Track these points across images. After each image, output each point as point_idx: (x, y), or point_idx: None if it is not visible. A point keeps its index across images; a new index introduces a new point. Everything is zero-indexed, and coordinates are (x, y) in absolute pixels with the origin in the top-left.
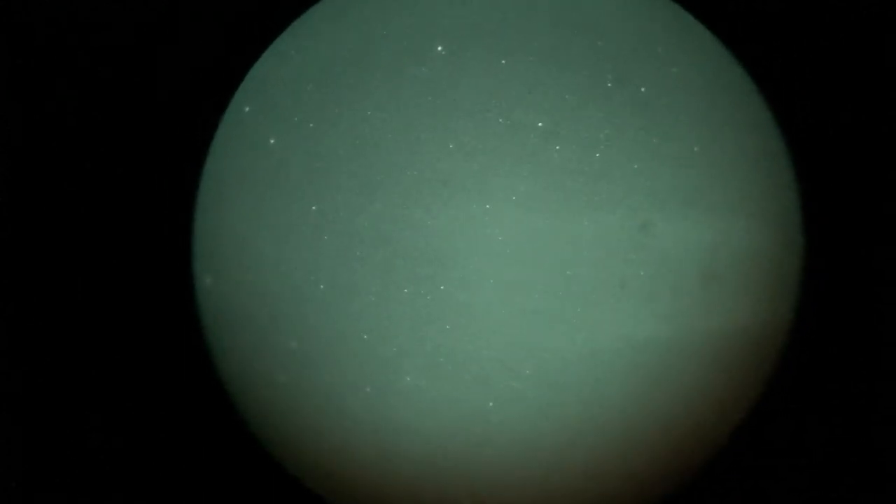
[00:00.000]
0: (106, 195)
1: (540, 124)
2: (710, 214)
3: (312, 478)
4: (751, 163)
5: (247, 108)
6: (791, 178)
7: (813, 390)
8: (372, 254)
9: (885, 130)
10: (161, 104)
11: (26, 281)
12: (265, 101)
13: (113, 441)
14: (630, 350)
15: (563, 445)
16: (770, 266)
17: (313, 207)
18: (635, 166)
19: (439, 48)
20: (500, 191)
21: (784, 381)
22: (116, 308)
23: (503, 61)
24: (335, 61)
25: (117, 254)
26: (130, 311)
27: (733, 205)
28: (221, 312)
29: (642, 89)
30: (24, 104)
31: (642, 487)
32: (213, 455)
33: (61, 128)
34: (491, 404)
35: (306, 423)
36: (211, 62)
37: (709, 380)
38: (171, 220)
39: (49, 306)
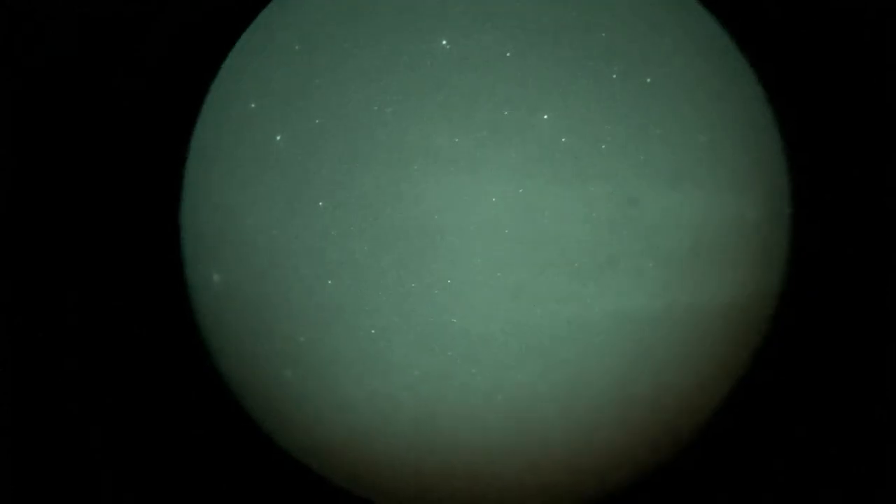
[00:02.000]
0: (91, 183)
1: (529, 99)
2: (698, 189)
3: (316, 459)
4: (738, 138)
5: (234, 85)
6: (779, 153)
7: (799, 363)
8: (360, 227)
9: (872, 107)
10: (146, 78)
11: (15, 274)
12: (253, 73)
13: (111, 435)
14: (617, 324)
15: (552, 418)
16: (757, 241)
17: (302, 181)
18: (622, 142)
19: (438, 28)
20: (487, 166)
21: (770, 353)
22: (110, 305)
23: (496, 40)
24: (320, 34)
25: (109, 249)
26: (123, 308)
27: (721, 180)
28: (211, 285)
29: (632, 67)
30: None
31: (631, 459)
32: (215, 449)
33: (41, 121)
34: (478, 378)
35: (300, 400)
36: (199, 33)
37: (696, 353)
38: (155, 193)
39: (37, 301)
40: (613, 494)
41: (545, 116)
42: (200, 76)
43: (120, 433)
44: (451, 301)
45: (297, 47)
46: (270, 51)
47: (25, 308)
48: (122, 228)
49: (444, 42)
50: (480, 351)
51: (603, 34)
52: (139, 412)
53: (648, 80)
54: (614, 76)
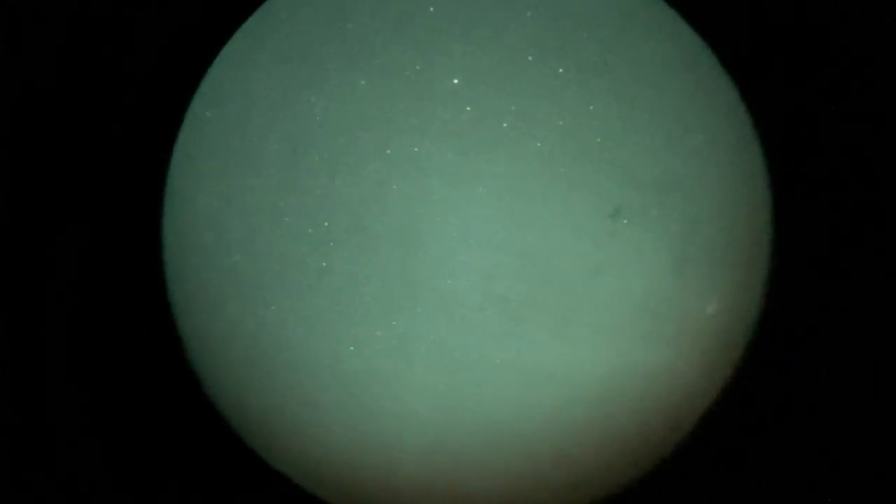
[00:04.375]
0: (75, 172)
1: (513, 109)
2: (683, 201)
3: (289, 465)
4: (723, 151)
5: (217, 90)
6: (762, 165)
7: (782, 375)
8: (345, 238)
9: (857, 119)
10: (130, 84)
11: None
12: (236, 85)
13: (87, 434)
14: (602, 335)
15: (537, 428)
16: (739, 253)
17: (284, 191)
18: (608, 154)
19: (418, 34)
20: (472, 176)
21: (753, 365)
22: (89, 300)
23: (479, 48)
24: (308, 41)
25: (91, 257)
26: (103, 304)
27: (705, 192)
28: (192, 295)
29: (618, 78)
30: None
31: (617, 469)
32: (189, 447)
33: (26, 128)
34: (464, 389)
35: (278, 406)
36: (182, 41)
37: (680, 364)
38: (141, 207)
39: (19, 312)
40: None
41: (529, 123)
42: (184, 83)
43: (100, 446)
44: (435, 312)
45: (281, 55)
46: (255, 58)
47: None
48: (105, 235)
49: (429, 50)
50: (466, 356)
51: (590, 48)
52: (120, 427)
53: (633, 91)
54: (597, 88)
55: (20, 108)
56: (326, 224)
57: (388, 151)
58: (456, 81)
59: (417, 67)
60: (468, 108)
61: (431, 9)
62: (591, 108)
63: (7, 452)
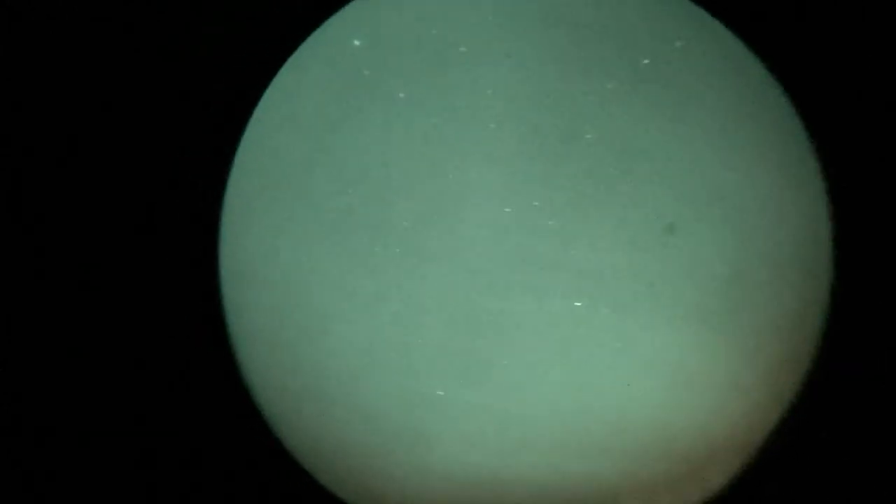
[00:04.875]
0: (131, 203)
1: (561, 128)
2: (737, 213)
3: (350, 493)
4: (776, 161)
5: (271, 117)
6: (818, 174)
7: (849, 389)
8: (399, 263)
9: None
10: (184, 112)
11: (51, 290)
12: (288, 111)
13: (144, 466)
14: (661, 353)
15: (594, 452)
16: (799, 264)
17: (337, 215)
18: (659, 167)
19: (461, 51)
20: (522, 196)
21: (819, 380)
22: (144, 320)
23: (524, 65)
24: (356, 70)
25: (144, 264)
26: (158, 324)
27: (760, 203)
28: (250, 324)
29: (666, 90)
30: (48, 110)
31: (678, 494)
32: (243, 467)
33: (82, 136)
34: (524, 411)
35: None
36: (233, 72)
37: (742, 382)
38: (196, 230)
39: (71, 337)
40: None
41: (578, 140)
42: (236, 115)
43: (151, 469)
44: (492, 334)
45: (330, 83)
46: (307, 87)
47: (53, 343)
48: (161, 267)
49: (474, 72)
50: (523, 377)
51: (634, 60)
52: (175, 451)
53: (683, 103)
54: (644, 101)
55: (70, 143)
56: (379, 250)
57: (439, 174)
58: (503, 102)
59: (462, 92)
60: (517, 128)
61: (474, 32)
62: (641, 121)
63: (64, 483)
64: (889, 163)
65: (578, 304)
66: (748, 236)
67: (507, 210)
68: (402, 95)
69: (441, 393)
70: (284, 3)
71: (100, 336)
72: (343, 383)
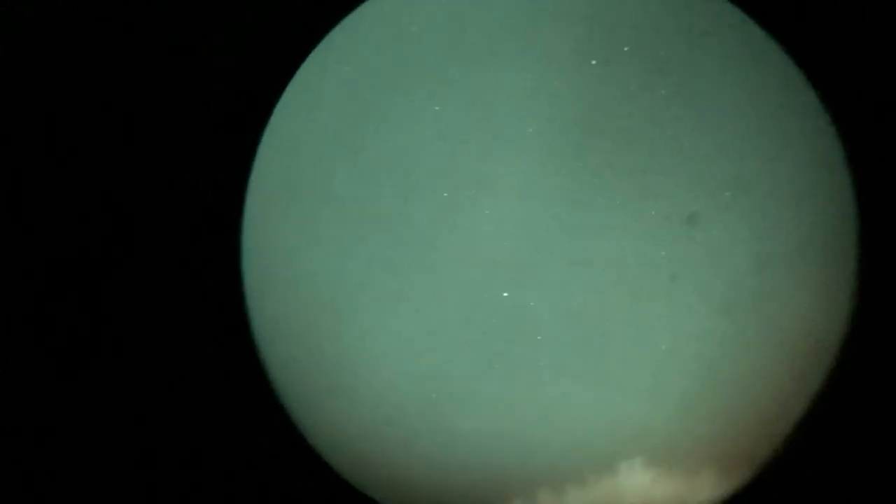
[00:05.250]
0: (154, 207)
1: (582, 120)
2: (760, 202)
3: (372, 487)
4: (800, 152)
5: (292, 114)
6: (843, 165)
7: (876, 380)
8: (419, 260)
9: None
10: (205, 113)
11: (73, 290)
12: (307, 111)
13: (169, 463)
14: (685, 344)
15: (622, 444)
16: (825, 252)
17: (358, 212)
18: (680, 158)
19: (481, 48)
20: (543, 189)
21: (846, 370)
22: (168, 317)
23: (544, 60)
24: (374, 68)
25: (167, 265)
26: (182, 322)
27: (783, 194)
28: (274, 323)
29: (687, 81)
30: (67, 115)
31: (703, 485)
32: (265, 461)
33: (105, 138)
34: (546, 404)
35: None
36: (253, 71)
37: (768, 371)
38: (220, 239)
39: (96, 341)
40: None
41: (599, 132)
42: (256, 115)
43: (182, 474)
44: (513, 328)
45: (349, 83)
46: (324, 89)
47: (77, 345)
48: (184, 264)
49: (493, 68)
50: (547, 371)
51: (654, 51)
52: (201, 451)
53: (704, 93)
54: (664, 91)
55: (89, 146)
56: (400, 246)
57: (459, 170)
58: (522, 97)
59: (482, 87)
60: (537, 123)
61: (492, 27)
62: (661, 113)
63: (85, 482)
64: None
65: (600, 296)
66: (771, 227)
67: (527, 204)
68: (421, 93)
69: (463, 387)
70: (303, 2)
71: (123, 333)
72: (365, 379)
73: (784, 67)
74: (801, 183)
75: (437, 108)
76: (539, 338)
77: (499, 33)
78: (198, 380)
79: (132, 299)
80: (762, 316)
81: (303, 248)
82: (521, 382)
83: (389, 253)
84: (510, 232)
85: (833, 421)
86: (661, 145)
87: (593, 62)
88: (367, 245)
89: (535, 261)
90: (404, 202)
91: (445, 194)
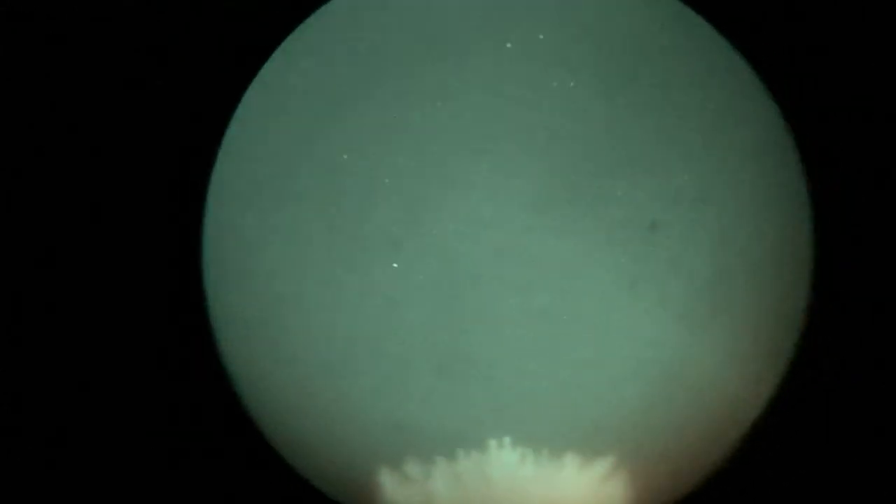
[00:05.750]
0: (115, 200)
1: (546, 125)
2: (719, 211)
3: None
4: (758, 158)
5: (254, 113)
6: (800, 175)
7: (829, 386)
8: (382, 256)
9: (891, 117)
10: (169, 109)
11: (36, 285)
12: (272, 106)
13: (127, 455)
14: (643, 349)
15: (577, 447)
16: (781, 260)
17: (321, 211)
18: (642, 166)
19: (445, 50)
20: (506, 191)
21: (799, 375)
22: (127, 312)
23: (510, 64)
24: (341, 65)
25: (128, 260)
26: (142, 317)
27: (741, 201)
28: (234, 318)
29: (649, 91)
30: (31, 108)
31: (660, 488)
32: (224, 458)
33: (67, 131)
34: (505, 403)
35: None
36: (217, 68)
37: (724, 377)
38: (181, 225)
39: (59, 333)
40: None
41: (562, 138)
42: (221, 107)
43: (138, 461)
44: (473, 327)
45: (315, 78)
46: (289, 85)
47: (45, 337)
48: (145, 257)
49: (460, 70)
50: (504, 371)
51: (618, 60)
52: (161, 445)
53: (666, 103)
54: (627, 99)
55: (54, 134)
56: (363, 244)
57: (423, 170)
58: (487, 99)
59: (449, 88)
60: (502, 125)
61: (460, 30)
62: (626, 120)
63: (45, 472)
64: (869, 165)
65: (560, 299)
66: (730, 236)
67: (491, 205)
68: (387, 92)
69: (423, 386)
70: None
71: (82, 327)
72: (326, 375)
73: (744, 78)
74: (759, 193)
75: (402, 107)
76: (499, 338)
77: (466, 35)
78: (157, 373)
79: (92, 291)
80: (719, 323)
81: (264, 243)
82: (479, 381)
83: (352, 250)
84: (473, 232)
85: (786, 427)
86: (624, 153)
87: (561, 68)
88: (329, 242)
89: (497, 262)
90: (368, 199)
91: (408, 193)
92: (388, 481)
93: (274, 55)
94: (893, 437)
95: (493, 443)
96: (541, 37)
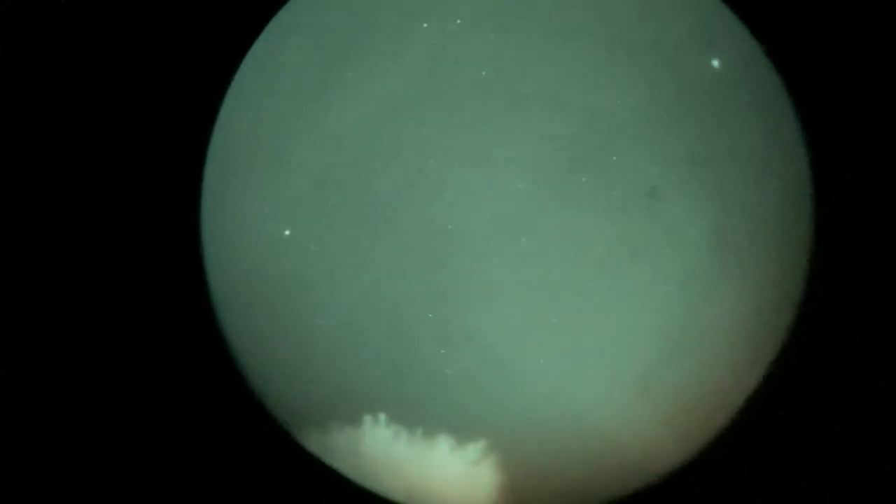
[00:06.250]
0: (111, 176)
1: (543, 93)
2: (718, 177)
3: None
4: (757, 123)
5: (248, 89)
6: (800, 139)
7: (830, 353)
8: (381, 231)
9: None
10: (160, 89)
11: (36, 275)
12: (266, 81)
13: (133, 436)
14: (643, 317)
15: (580, 416)
16: (781, 226)
17: (319, 188)
18: (640, 132)
19: (441, 21)
20: (503, 162)
21: (798, 345)
22: (128, 294)
23: (506, 33)
24: (336, 37)
25: (126, 235)
26: (144, 305)
27: (742, 167)
28: (233, 293)
29: (647, 56)
30: (24, 103)
31: (660, 454)
32: (229, 437)
33: (55, 122)
34: (504, 375)
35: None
36: (212, 41)
37: (723, 344)
38: (178, 207)
39: (58, 313)
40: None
41: (560, 105)
42: (215, 84)
43: (146, 449)
44: (472, 299)
45: (310, 51)
46: (283, 56)
47: (41, 322)
48: (143, 237)
49: (456, 41)
50: (505, 347)
51: (614, 26)
52: (155, 401)
53: (663, 68)
54: (624, 66)
55: (51, 116)
56: (360, 217)
57: (420, 143)
58: (486, 69)
59: (445, 59)
60: (498, 95)
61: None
62: (622, 86)
63: (51, 460)
64: (870, 124)
65: (559, 270)
66: (729, 203)
67: (488, 176)
68: (384, 62)
69: (424, 358)
70: None
71: (84, 313)
72: (326, 349)
73: (742, 40)
74: (759, 160)
75: (399, 77)
76: (499, 309)
77: (462, 3)
78: (158, 353)
79: (91, 272)
80: (719, 290)
81: (262, 217)
82: (480, 353)
83: (350, 223)
84: (469, 203)
85: (786, 394)
86: (621, 120)
87: (556, 36)
88: (327, 214)
89: (496, 233)
90: (365, 171)
91: (404, 165)
92: None
93: (267, 28)
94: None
95: (495, 411)
96: (539, 5)
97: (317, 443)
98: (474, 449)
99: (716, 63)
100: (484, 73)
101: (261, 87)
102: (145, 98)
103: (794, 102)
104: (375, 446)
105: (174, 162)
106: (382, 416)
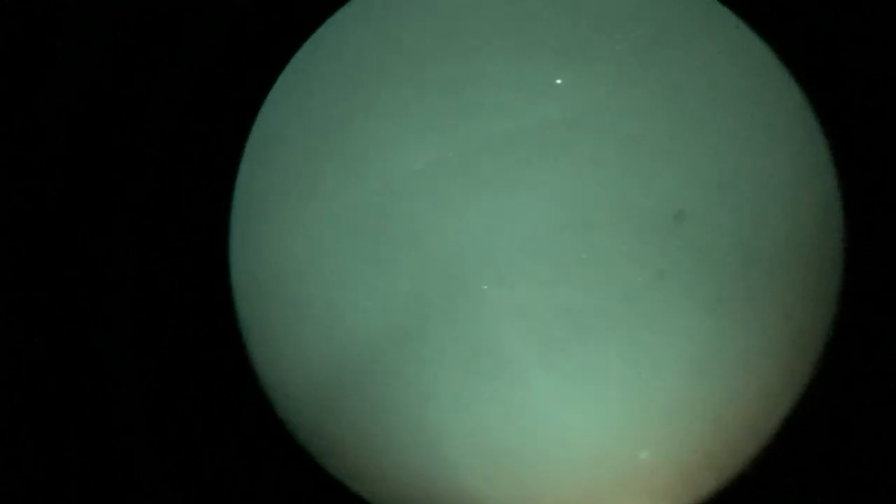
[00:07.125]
0: (138, 201)
1: (566, 116)
2: (747, 198)
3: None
4: (787, 147)
5: (275, 116)
6: (830, 160)
7: (862, 377)
8: (406, 255)
9: None
10: (191, 111)
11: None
12: (294, 108)
13: (158, 463)
14: (673, 342)
15: (607, 444)
16: (812, 248)
17: (345, 209)
18: (666, 153)
19: (464, 46)
20: (529, 185)
21: (833, 367)
22: (154, 314)
23: (527, 55)
24: (361, 65)
25: (154, 258)
26: (169, 318)
27: (770, 187)
28: (261, 319)
29: (674, 74)
30: (48, 112)
31: (692, 483)
32: (255, 464)
33: (88, 126)
34: (530, 401)
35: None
36: (240, 67)
37: (755, 369)
38: (207, 228)
39: (85, 328)
40: None
41: (584, 128)
42: (242, 113)
43: (172, 475)
44: (499, 324)
45: (336, 80)
46: (310, 87)
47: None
48: (172, 260)
49: (478, 63)
50: (530, 372)
51: (640, 47)
52: (179, 425)
53: (691, 88)
54: (650, 87)
55: (76, 138)
56: (387, 242)
57: (445, 165)
58: (509, 93)
59: (467, 81)
60: (522, 118)
61: (478, 22)
62: (648, 106)
63: (77, 484)
64: None
65: (585, 293)
66: (759, 224)
67: (513, 200)
68: (409, 88)
69: (449, 383)
70: None
71: (107, 329)
72: (353, 374)
73: (769, 63)
74: (788, 180)
75: (424, 103)
76: (524, 334)
77: (485, 28)
78: (186, 377)
79: (117, 292)
80: (749, 313)
81: (289, 243)
82: (502, 378)
83: (375, 248)
84: (495, 227)
85: (820, 417)
86: (647, 142)
87: (579, 56)
88: (353, 240)
89: (521, 257)
90: (390, 196)
91: (431, 190)
92: None
93: (294, 57)
94: None
95: (519, 439)
96: (562, 26)
97: (341, 468)
98: (500, 477)
99: (743, 85)
100: (508, 98)
101: (288, 116)
102: (173, 127)
103: (821, 123)
104: (401, 473)
105: (203, 191)
106: (408, 442)
